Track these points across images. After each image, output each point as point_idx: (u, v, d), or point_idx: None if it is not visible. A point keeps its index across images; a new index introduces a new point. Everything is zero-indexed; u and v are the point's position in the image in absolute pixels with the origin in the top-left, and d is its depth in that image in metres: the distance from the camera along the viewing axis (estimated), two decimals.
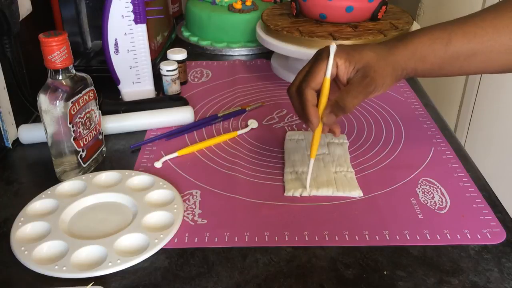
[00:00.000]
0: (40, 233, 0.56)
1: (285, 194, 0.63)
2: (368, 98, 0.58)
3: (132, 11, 0.79)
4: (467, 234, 0.56)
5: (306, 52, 0.86)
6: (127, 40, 0.81)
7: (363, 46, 0.60)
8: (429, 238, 0.56)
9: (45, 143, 0.65)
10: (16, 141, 0.75)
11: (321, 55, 0.58)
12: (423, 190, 0.64)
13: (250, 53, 1.08)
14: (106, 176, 0.66)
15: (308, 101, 0.58)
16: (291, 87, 0.60)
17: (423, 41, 0.58)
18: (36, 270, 0.52)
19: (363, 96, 0.57)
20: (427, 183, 0.65)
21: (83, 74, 0.65)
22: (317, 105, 0.59)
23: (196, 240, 0.56)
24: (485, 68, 0.60)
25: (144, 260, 0.53)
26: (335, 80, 0.60)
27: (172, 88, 0.88)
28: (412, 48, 0.58)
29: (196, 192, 0.64)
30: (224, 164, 0.70)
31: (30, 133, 0.74)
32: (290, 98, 0.61)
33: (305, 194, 0.63)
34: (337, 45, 0.58)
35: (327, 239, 0.56)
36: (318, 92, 0.59)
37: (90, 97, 0.66)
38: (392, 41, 0.60)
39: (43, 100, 0.61)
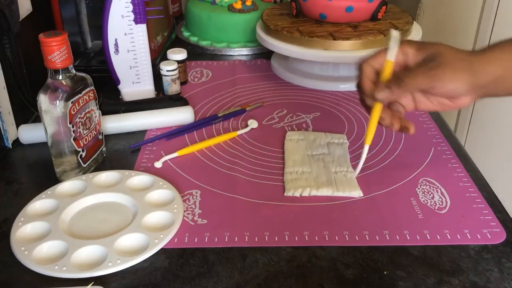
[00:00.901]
0: (40, 233, 0.56)
1: (285, 194, 0.63)
2: (432, 86, 0.56)
3: (132, 11, 0.79)
4: (467, 234, 0.56)
5: (306, 52, 0.86)
6: (127, 40, 0.81)
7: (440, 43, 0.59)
8: (429, 238, 0.56)
9: (45, 143, 0.65)
10: (16, 141, 0.75)
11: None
12: (423, 190, 0.64)
13: (250, 53, 1.08)
14: (106, 176, 0.66)
15: (363, 74, 0.60)
16: None
17: (505, 51, 0.57)
18: (36, 270, 0.52)
19: (423, 77, 0.56)
20: (427, 183, 0.65)
21: (83, 74, 0.65)
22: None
23: (196, 240, 0.56)
24: None
25: (144, 260, 0.53)
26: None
27: (172, 88, 0.88)
28: (492, 56, 0.57)
29: (196, 192, 0.64)
30: (224, 164, 0.70)
31: (30, 133, 0.74)
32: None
33: (305, 194, 0.63)
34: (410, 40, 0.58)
35: (327, 239, 0.56)
36: None
37: (90, 97, 0.66)
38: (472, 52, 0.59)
39: (43, 100, 0.61)
